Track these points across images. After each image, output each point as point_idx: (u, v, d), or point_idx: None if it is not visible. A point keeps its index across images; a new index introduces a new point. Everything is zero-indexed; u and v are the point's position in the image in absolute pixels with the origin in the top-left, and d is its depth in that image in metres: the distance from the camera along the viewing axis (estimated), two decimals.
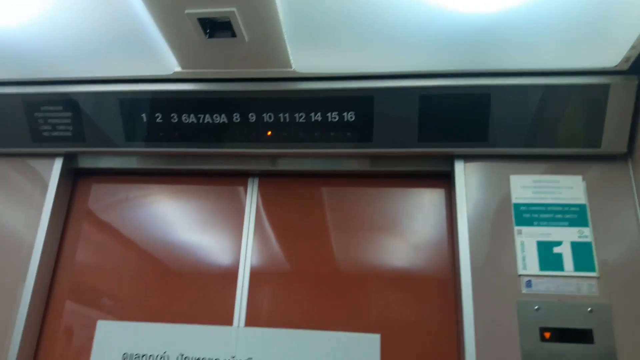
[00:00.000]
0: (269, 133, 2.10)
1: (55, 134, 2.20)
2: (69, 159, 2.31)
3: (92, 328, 2.13)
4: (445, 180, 2.19)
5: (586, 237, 1.93)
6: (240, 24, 1.71)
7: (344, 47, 1.90)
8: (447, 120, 2.01)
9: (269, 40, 1.82)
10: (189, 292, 2.15)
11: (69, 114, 2.16)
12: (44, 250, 2.17)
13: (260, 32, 1.78)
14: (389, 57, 1.93)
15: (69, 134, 2.19)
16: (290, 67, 1.96)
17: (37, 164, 2.28)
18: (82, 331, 2.15)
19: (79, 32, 1.90)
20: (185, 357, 2.03)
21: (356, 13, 1.77)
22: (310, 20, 1.79)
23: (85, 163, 2.33)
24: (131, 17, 1.82)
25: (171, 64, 2.01)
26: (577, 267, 1.90)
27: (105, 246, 2.27)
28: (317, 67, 1.97)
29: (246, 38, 1.78)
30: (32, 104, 2.16)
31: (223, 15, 1.69)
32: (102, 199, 2.35)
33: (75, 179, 2.39)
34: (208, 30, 1.78)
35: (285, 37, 1.82)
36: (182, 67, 2.00)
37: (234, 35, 1.78)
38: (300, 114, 2.05)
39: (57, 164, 2.26)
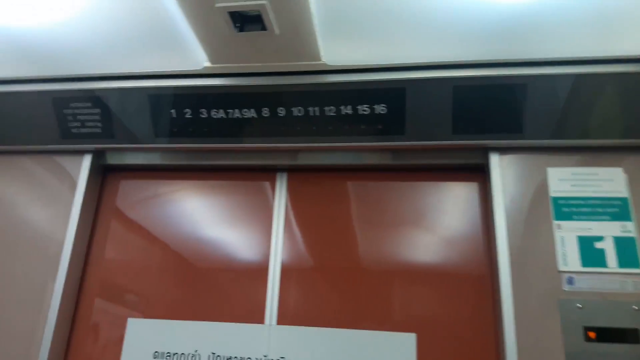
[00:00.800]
0: (299, 127, 2.06)
1: (84, 130, 2.19)
2: (97, 156, 2.31)
3: (122, 326, 2.12)
4: (478, 173, 2.13)
5: (629, 232, 1.86)
6: (271, 17, 1.68)
7: (374, 38, 1.86)
8: (482, 112, 1.95)
9: (299, 33, 1.78)
10: (219, 289, 2.13)
11: (98, 110, 2.15)
12: (74, 249, 2.16)
13: (290, 25, 1.74)
14: (421, 48, 1.89)
15: (98, 130, 2.18)
16: (320, 59, 1.92)
17: (66, 161, 2.28)
18: (112, 329, 2.14)
19: (107, 29, 1.90)
20: (217, 356, 2.00)
21: (388, 2, 1.73)
22: (341, 11, 1.76)
23: (114, 159, 2.33)
24: (161, 12, 1.81)
25: (201, 59, 1.98)
26: (621, 263, 1.82)
27: (134, 243, 2.26)
28: (347, 59, 1.93)
29: (276, 31, 1.75)
30: (62, 100, 2.16)
31: (254, 8, 1.66)
32: (130, 195, 2.34)
33: (103, 175, 2.39)
34: (238, 24, 1.74)
35: (316, 29, 1.78)
36: (212, 62, 1.97)
37: (264, 28, 1.74)
38: (330, 107, 2.01)
39: (86, 161, 2.26)
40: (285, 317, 2.04)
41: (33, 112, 2.20)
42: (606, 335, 1.75)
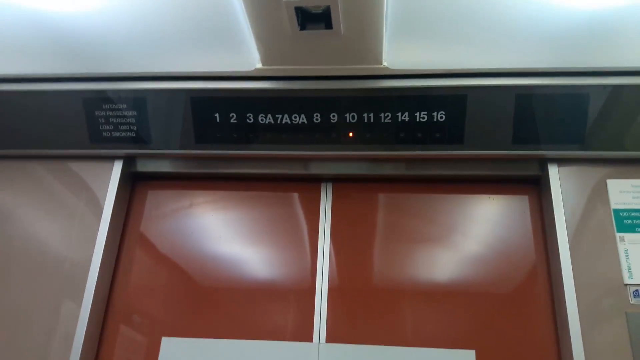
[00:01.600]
0: (351, 134, 1.96)
1: (116, 134, 2.03)
2: (127, 162, 2.13)
3: (156, 345, 1.95)
4: (530, 185, 2.08)
5: None
6: (340, 14, 1.59)
7: (438, 42, 1.81)
8: (543, 122, 1.90)
9: (366, 34, 1.70)
10: (262, 306, 1.99)
11: (133, 112, 2.00)
12: (102, 268, 1.98)
13: (358, 25, 1.65)
14: (485, 54, 1.84)
15: (132, 134, 2.02)
16: (382, 63, 1.84)
17: (95, 168, 2.10)
18: (144, 348, 1.96)
19: (148, 22, 1.78)
20: None
21: (456, 6, 1.67)
22: (410, 12, 1.69)
23: (145, 167, 2.16)
24: (214, 6, 1.70)
25: (252, 60, 1.87)
26: None
27: (166, 260, 2.10)
28: (409, 63, 1.86)
29: (342, 30, 1.66)
30: (93, 101, 2.00)
31: (324, 3, 1.56)
32: (163, 205, 2.18)
33: (133, 184, 2.21)
34: (300, 21, 1.64)
35: (384, 30, 1.70)
36: (264, 64, 1.86)
37: (329, 26, 1.65)
38: (387, 114, 1.92)
39: (117, 167, 2.09)
40: (335, 335, 1.93)
41: (60, 113, 2.03)
42: None
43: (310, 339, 1.92)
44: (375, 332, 1.92)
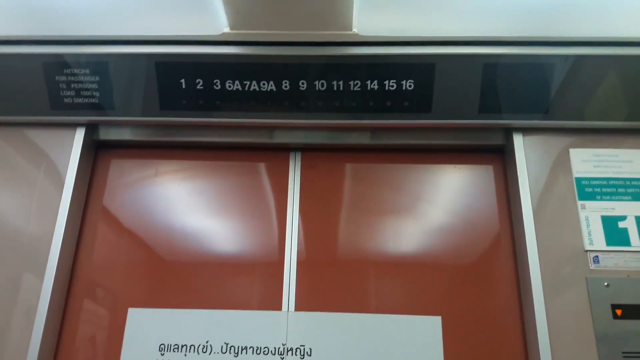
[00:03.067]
0: (320, 102, 1.94)
1: (78, 100, 1.96)
2: (90, 130, 2.07)
3: (122, 316, 1.91)
4: (496, 154, 2.11)
5: None
6: None
7: (408, 9, 1.82)
8: (509, 91, 1.93)
9: None
10: (230, 276, 1.97)
11: (96, 78, 1.93)
12: (65, 237, 1.92)
13: None
14: (454, 22, 1.84)
15: (94, 100, 1.96)
16: (352, 30, 1.82)
17: (56, 136, 2.03)
18: (110, 320, 1.93)
19: None
20: (231, 346, 1.85)
21: None
22: None
23: (108, 134, 2.10)
24: None
25: (220, 24, 1.83)
26: None
27: (132, 229, 2.05)
28: (379, 30, 1.85)
29: None
30: (54, 66, 1.92)
31: None
32: (126, 175, 2.13)
33: (95, 152, 2.14)
34: None
35: None
36: (232, 28, 1.83)
37: None
38: (356, 82, 1.91)
39: (79, 135, 2.03)
40: (304, 303, 1.92)
41: (19, 77, 1.94)
42: (634, 312, 1.76)
43: (279, 308, 1.91)
44: (343, 301, 1.92)
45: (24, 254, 1.90)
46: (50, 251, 1.89)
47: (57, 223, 1.93)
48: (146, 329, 1.88)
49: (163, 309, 1.91)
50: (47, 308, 1.83)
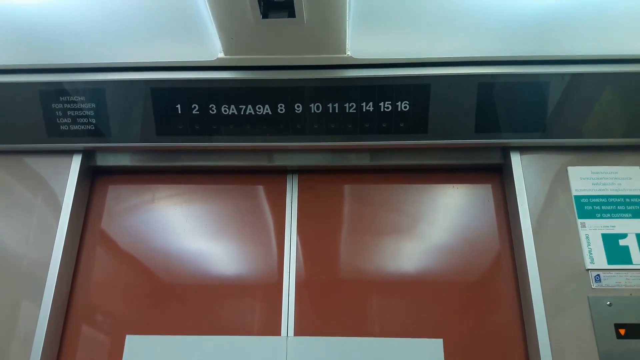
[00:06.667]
0: (316, 125, 1.95)
1: (75, 127, 1.97)
2: (87, 157, 2.07)
3: (120, 344, 1.89)
4: (494, 174, 2.10)
5: None
6: (302, 3, 1.57)
7: (401, 31, 1.80)
8: (505, 110, 1.92)
9: (330, 22, 1.69)
10: (228, 301, 1.96)
11: (92, 104, 1.94)
12: (62, 263, 1.92)
13: (321, 13, 1.64)
14: (448, 43, 1.84)
15: (91, 127, 1.97)
16: (346, 52, 1.83)
17: (53, 162, 2.03)
18: (108, 347, 1.91)
19: (106, 11, 1.72)
20: None
21: None
22: (374, 1, 1.68)
23: (105, 161, 2.11)
24: None
25: (214, 49, 1.84)
26: None
27: (130, 254, 2.04)
28: (372, 52, 1.85)
29: (305, 19, 1.64)
30: (50, 94, 1.93)
31: None
32: (124, 200, 2.13)
33: (93, 178, 2.14)
34: (262, 10, 1.62)
35: (348, 18, 1.69)
36: (226, 53, 1.83)
37: (292, 15, 1.63)
38: (351, 104, 1.91)
39: (76, 162, 2.03)
40: (303, 329, 1.90)
41: (15, 106, 1.95)
42: (637, 331, 1.74)
43: (278, 333, 1.89)
44: (343, 324, 1.91)
45: (22, 280, 1.89)
46: (48, 277, 1.89)
47: (54, 249, 1.93)
48: (144, 357, 1.86)
49: (161, 336, 1.90)
50: (44, 334, 1.82)
